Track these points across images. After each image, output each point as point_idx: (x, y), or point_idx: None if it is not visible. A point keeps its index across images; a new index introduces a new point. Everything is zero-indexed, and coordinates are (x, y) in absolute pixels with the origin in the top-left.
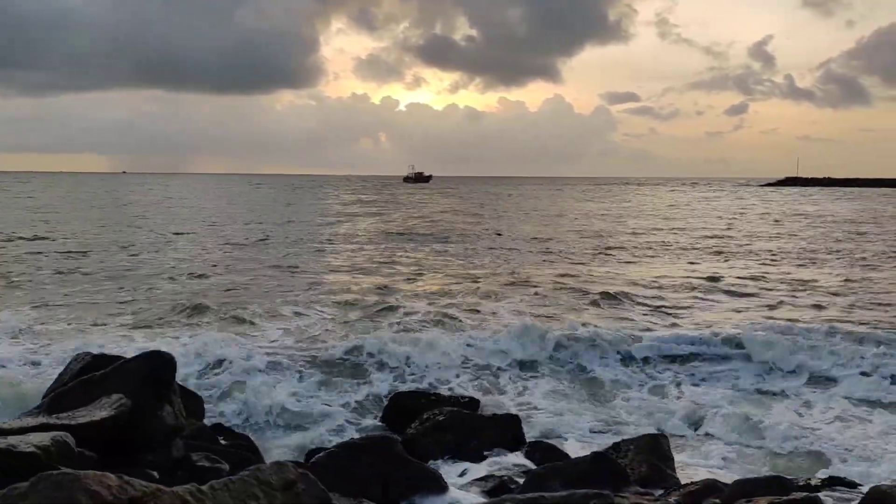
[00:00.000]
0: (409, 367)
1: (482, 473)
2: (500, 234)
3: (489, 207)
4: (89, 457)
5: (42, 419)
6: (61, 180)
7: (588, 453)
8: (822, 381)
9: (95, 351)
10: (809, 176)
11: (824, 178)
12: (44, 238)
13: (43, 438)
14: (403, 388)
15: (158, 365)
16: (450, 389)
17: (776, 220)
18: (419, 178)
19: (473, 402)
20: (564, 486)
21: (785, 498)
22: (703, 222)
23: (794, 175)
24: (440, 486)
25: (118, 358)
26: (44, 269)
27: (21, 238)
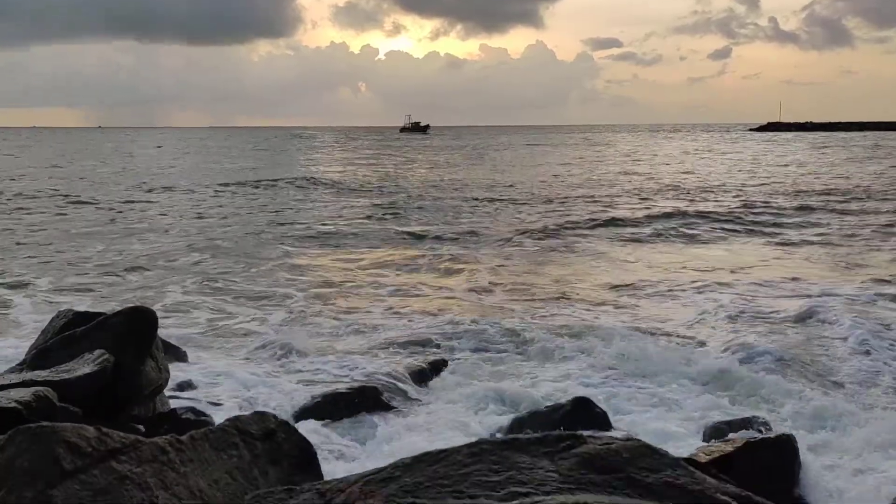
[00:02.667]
0: None
1: None
2: None
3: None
4: (73, 412)
5: (25, 375)
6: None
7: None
8: None
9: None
10: (792, 121)
11: (806, 122)
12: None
13: (24, 394)
14: None
15: (140, 320)
16: None
17: None
18: (416, 129)
19: None
20: (545, 429)
21: (761, 436)
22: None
23: (777, 120)
24: None
25: (100, 314)
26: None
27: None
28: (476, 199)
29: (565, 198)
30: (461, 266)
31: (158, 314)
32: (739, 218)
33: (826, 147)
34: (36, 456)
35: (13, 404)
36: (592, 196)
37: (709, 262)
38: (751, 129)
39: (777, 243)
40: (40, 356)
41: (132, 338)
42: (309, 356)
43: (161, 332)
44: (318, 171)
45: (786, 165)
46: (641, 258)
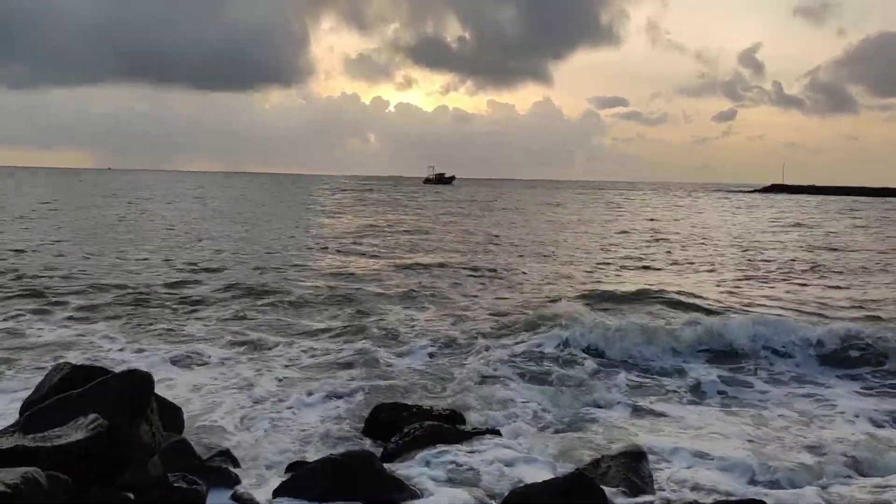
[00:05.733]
0: None
1: None
2: None
3: None
4: (63, 480)
5: (17, 440)
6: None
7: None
8: None
9: (75, 361)
10: (795, 183)
11: (809, 185)
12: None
13: (14, 476)
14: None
15: (136, 384)
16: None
17: None
18: (441, 180)
19: (456, 416)
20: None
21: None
22: None
23: (780, 182)
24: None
25: (98, 369)
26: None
27: None
28: None
29: None
30: None
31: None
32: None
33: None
34: None
35: (2, 488)
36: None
37: None
38: (755, 191)
39: None
40: (34, 418)
41: (127, 402)
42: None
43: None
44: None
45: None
46: None
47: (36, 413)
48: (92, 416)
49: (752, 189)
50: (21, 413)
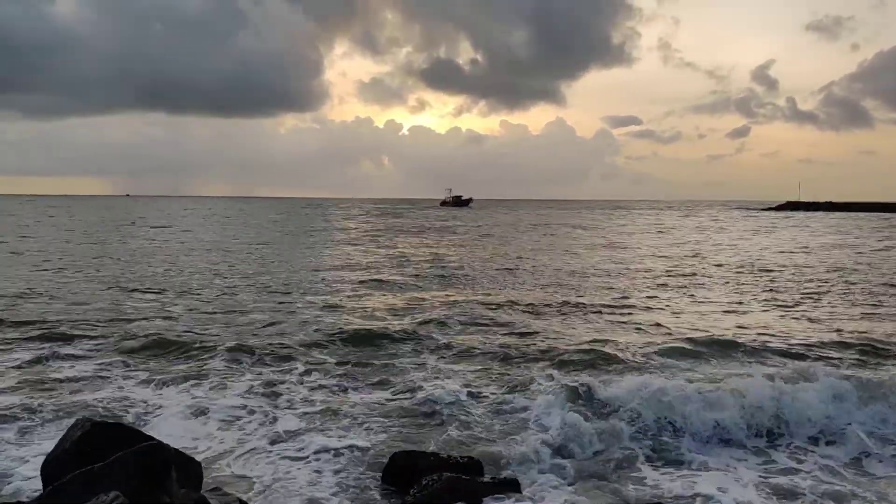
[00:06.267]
0: None
1: None
2: None
3: None
4: None
5: None
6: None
7: None
8: None
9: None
10: (811, 200)
11: (825, 202)
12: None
13: None
14: None
15: (154, 460)
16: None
17: None
18: (458, 203)
19: (474, 464)
20: None
21: None
22: None
23: (796, 199)
24: None
25: (118, 426)
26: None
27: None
28: None
29: None
30: None
31: None
32: None
33: None
34: None
35: None
36: None
37: None
38: (769, 209)
39: None
40: (56, 494)
41: (147, 477)
42: None
43: None
44: None
45: None
46: None
47: (58, 488)
48: (113, 494)
49: (766, 206)
50: (42, 470)
